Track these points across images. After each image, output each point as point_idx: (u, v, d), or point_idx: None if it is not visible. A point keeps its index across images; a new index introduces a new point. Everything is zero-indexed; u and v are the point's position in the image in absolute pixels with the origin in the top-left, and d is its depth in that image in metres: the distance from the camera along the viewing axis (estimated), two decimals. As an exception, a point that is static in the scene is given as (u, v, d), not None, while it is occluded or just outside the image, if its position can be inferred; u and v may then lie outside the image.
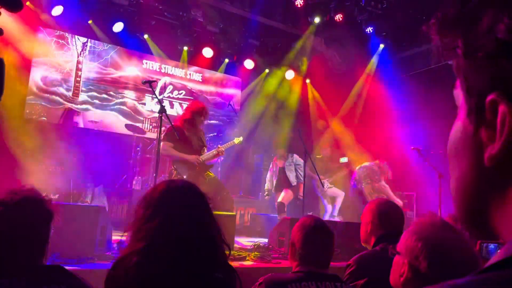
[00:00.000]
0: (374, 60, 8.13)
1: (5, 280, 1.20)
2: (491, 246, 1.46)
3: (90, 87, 7.29)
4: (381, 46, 7.83)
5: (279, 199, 6.07)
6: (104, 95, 7.41)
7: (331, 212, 6.76)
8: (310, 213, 6.62)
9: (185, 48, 7.99)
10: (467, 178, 0.44)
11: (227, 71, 8.75)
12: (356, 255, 2.05)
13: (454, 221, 1.23)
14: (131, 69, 7.74)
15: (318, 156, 7.13)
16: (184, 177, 4.35)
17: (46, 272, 1.32)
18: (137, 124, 7.34)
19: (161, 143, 4.28)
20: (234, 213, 4.42)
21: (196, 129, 4.71)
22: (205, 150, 4.76)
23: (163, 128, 4.21)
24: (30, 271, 1.28)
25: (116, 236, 3.66)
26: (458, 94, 0.46)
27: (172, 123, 4.33)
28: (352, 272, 1.98)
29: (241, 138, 5.17)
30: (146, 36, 7.62)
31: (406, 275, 1.05)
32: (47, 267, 1.39)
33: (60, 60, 7.04)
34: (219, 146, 4.87)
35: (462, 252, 0.99)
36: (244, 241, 5.08)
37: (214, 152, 4.70)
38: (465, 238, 1.02)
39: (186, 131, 4.58)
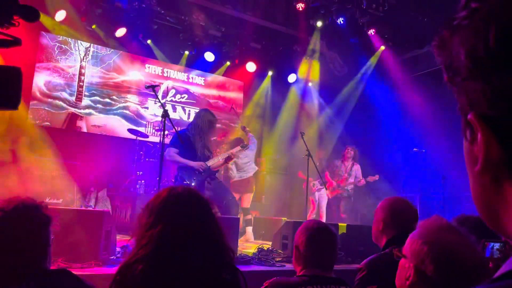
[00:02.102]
0: (375, 62, 8.13)
1: (14, 286, 1.21)
2: (496, 245, 1.45)
3: (93, 91, 7.32)
4: (382, 48, 7.83)
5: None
6: (107, 100, 7.44)
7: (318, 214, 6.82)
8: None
9: (186, 52, 8.01)
10: (474, 189, 0.47)
11: (229, 74, 8.77)
12: (367, 259, 1.99)
13: (459, 223, 1.23)
14: (134, 74, 7.77)
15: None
16: (190, 183, 4.32)
17: (54, 276, 1.33)
18: (140, 128, 7.36)
19: (166, 149, 4.26)
20: (238, 216, 4.41)
21: (201, 138, 4.63)
22: (211, 157, 4.68)
23: (167, 133, 4.21)
24: (37, 275, 1.29)
25: (120, 240, 3.67)
26: None
27: (176, 129, 4.32)
28: (363, 277, 1.94)
29: (247, 145, 5.15)
30: (149, 41, 7.65)
31: (412, 278, 1.05)
32: (55, 271, 1.39)
33: (63, 65, 7.08)
34: (227, 153, 4.82)
35: (468, 256, 0.99)
36: (248, 244, 5.08)
37: (221, 161, 4.66)
38: (471, 241, 1.02)
39: (192, 137, 4.53)
